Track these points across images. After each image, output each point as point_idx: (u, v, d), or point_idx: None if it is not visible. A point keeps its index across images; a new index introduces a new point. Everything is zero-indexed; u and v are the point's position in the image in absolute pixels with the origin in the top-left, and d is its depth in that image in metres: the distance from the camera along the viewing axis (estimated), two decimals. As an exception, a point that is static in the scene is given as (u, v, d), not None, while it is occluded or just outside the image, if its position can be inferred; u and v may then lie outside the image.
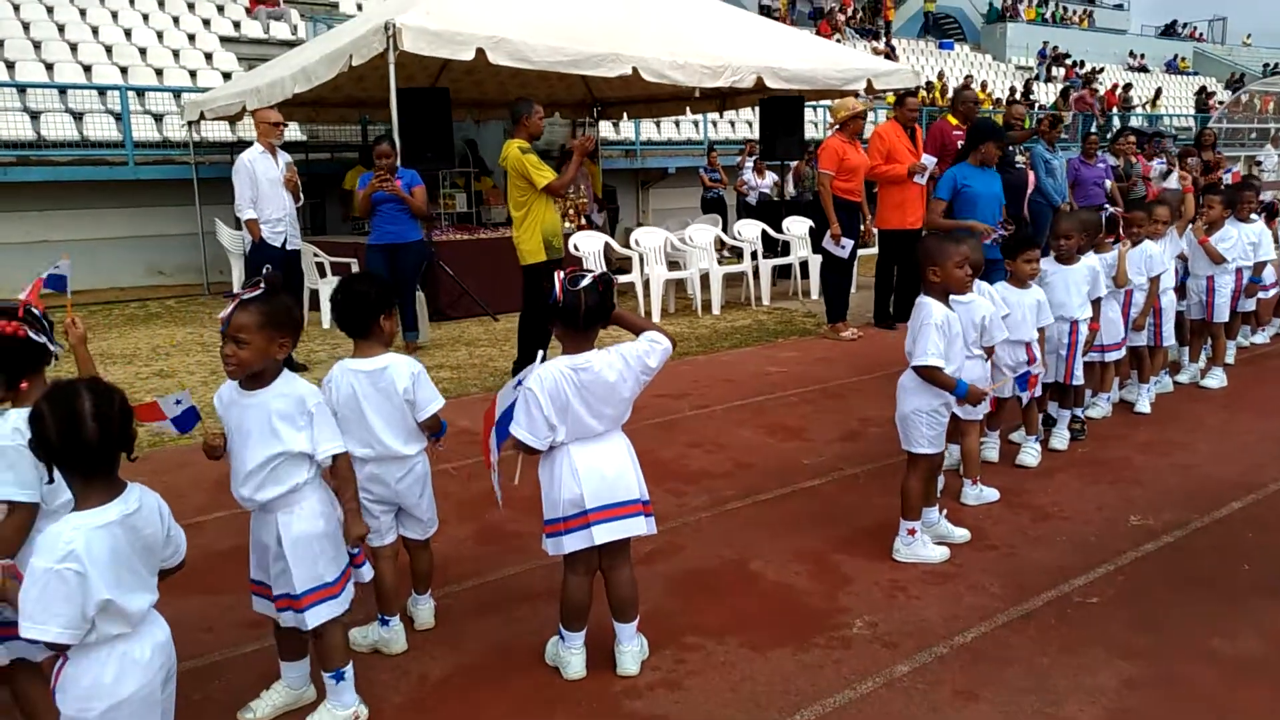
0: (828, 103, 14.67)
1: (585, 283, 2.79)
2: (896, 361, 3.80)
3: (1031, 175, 8.61)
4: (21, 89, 12.69)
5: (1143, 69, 34.99)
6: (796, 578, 3.64)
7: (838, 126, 8.40)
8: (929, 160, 8.21)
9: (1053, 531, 4.04)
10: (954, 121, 8.53)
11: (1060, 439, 5.13)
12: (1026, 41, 32.88)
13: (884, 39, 28.72)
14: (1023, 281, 4.67)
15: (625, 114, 14.97)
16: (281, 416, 2.54)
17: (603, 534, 2.83)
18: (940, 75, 25.80)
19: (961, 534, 3.92)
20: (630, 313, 2.98)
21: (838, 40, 25.10)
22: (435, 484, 3.21)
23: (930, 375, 3.59)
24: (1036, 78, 30.57)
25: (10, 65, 13.30)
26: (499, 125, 14.67)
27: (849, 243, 8.29)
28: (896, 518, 3.81)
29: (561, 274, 2.83)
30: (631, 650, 2.97)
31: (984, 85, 26.69)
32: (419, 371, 3.02)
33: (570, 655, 2.96)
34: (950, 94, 21.77)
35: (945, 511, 3.97)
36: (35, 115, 12.44)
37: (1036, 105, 25.08)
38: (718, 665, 3.02)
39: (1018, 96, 24.57)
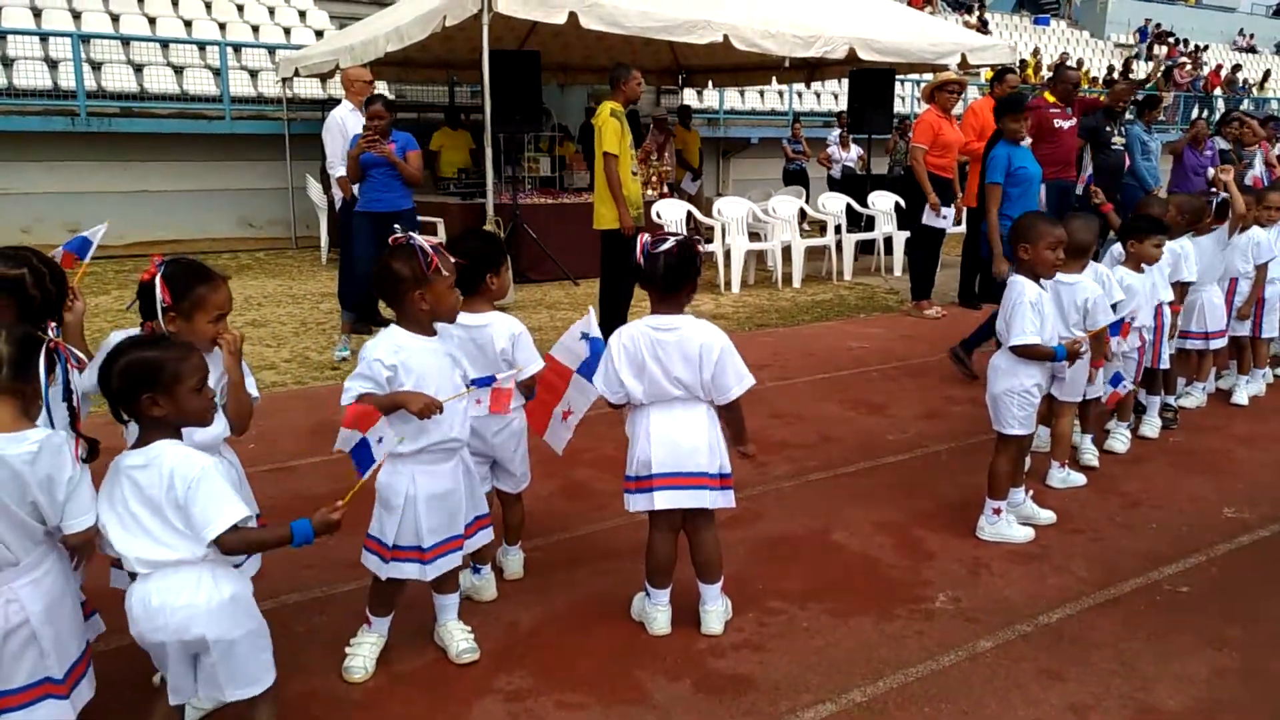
0: (918, 76, 14.36)
1: (665, 246, 2.82)
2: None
3: (1127, 156, 8.34)
4: (125, 42, 13.11)
5: (1251, 49, 33.34)
6: (879, 550, 3.66)
7: (926, 95, 8.23)
8: (1026, 139, 7.99)
9: (1142, 519, 3.98)
10: (1051, 99, 8.27)
11: (1151, 426, 5.01)
12: (1127, 17, 31.51)
13: (977, 12, 27.84)
14: (1139, 265, 4.55)
15: (710, 82, 14.86)
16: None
17: (663, 500, 2.88)
18: (1035, 52, 24.97)
19: (1047, 516, 3.88)
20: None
21: (930, 13, 24.45)
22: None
23: (1027, 352, 3.55)
24: (1136, 56, 29.34)
25: (115, 18, 13.75)
26: (582, 90, 14.72)
27: (949, 212, 8.12)
28: (980, 496, 3.79)
29: (646, 237, 2.87)
30: (715, 610, 3.03)
31: (1080, 63, 25.75)
32: (520, 333, 3.10)
33: (656, 611, 3.03)
34: (1045, 71, 21.11)
35: (1031, 493, 3.93)
36: (139, 68, 12.84)
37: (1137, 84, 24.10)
38: (800, 630, 3.06)
39: (1115, 75, 23.65)
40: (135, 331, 2.40)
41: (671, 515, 2.95)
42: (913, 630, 3.06)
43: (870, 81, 11.41)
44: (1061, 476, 4.29)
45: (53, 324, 2.45)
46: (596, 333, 3.15)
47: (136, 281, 2.47)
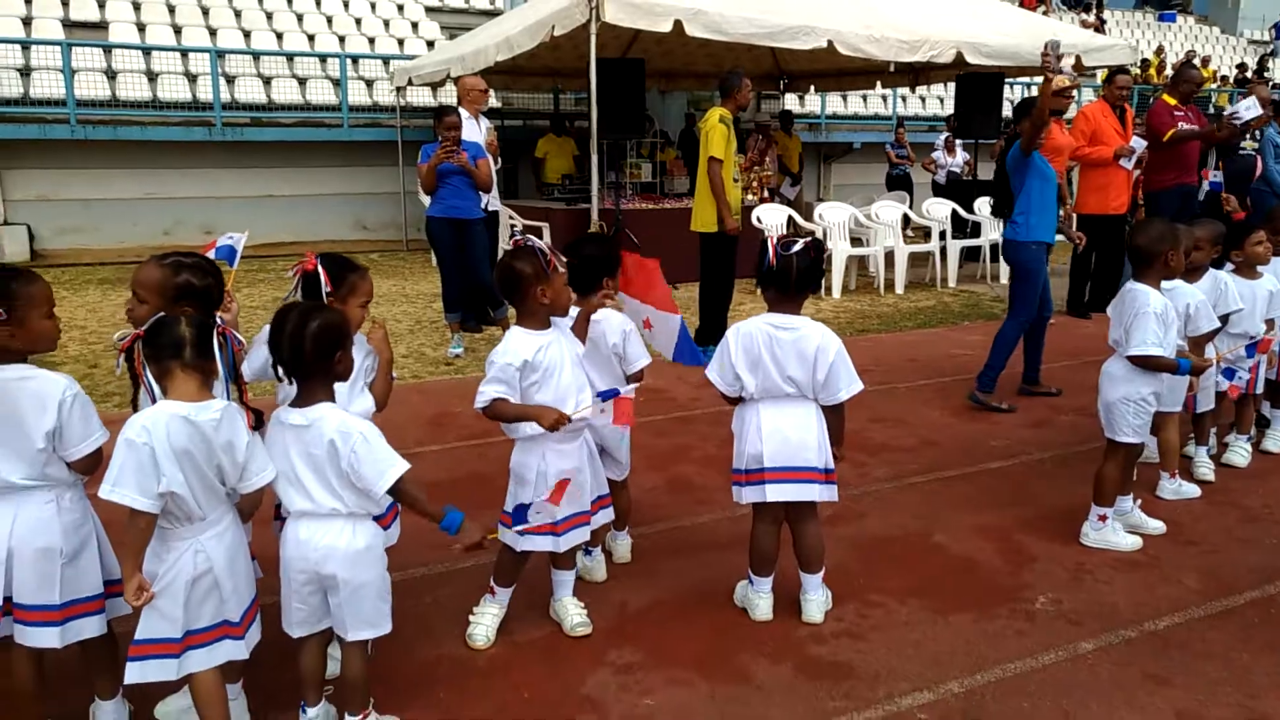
0: (1028, 79, 14.04)
1: (797, 248, 2.94)
2: (1090, 350, 3.75)
3: (1259, 161, 8.02)
4: (256, 56, 13.87)
5: (1404, 47, 31.26)
6: (979, 552, 3.68)
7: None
8: (1138, 143, 7.80)
9: (1261, 533, 3.88)
10: (1172, 101, 8.04)
11: (1274, 441, 4.85)
12: (1263, 12, 29.76)
13: (1094, 10, 26.89)
14: (1253, 269, 4.43)
15: (813, 87, 14.82)
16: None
17: (775, 493, 3.00)
18: (1158, 50, 23.95)
19: (1156, 525, 3.83)
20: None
21: (1043, 13, 23.77)
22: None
23: (1147, 363, 3.52)
24: (1272, 53, 27.77)
25: (247, 34, 14.57)
26: (683, 96, 14.88)
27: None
28: (1085, 504, 3.77)
29: (775, 238, 2.99)
30: (816, 599, 3.12)
31: (1205, 61, 24.62)
32: (630, 329, 3.28)
33: (758, 599, 3.14)
34: (1170, 71, 20.26)
35: (1140, 502, 3.89)
36: (267, 80, 13.59)
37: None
38: (899, 624, 3.13)
39: (1249, 74, 22.52)
40: None
41: (776, 508, 3.06)
42: (1012, 629, 3.09)
43: (978, 85, 11.22)
44: (1173, 488, 4.22)
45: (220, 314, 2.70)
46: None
47: (263, 279, 2.72)
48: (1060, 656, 2.93)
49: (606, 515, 3.15)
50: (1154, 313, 3.51)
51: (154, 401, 2.26)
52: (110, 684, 2.52)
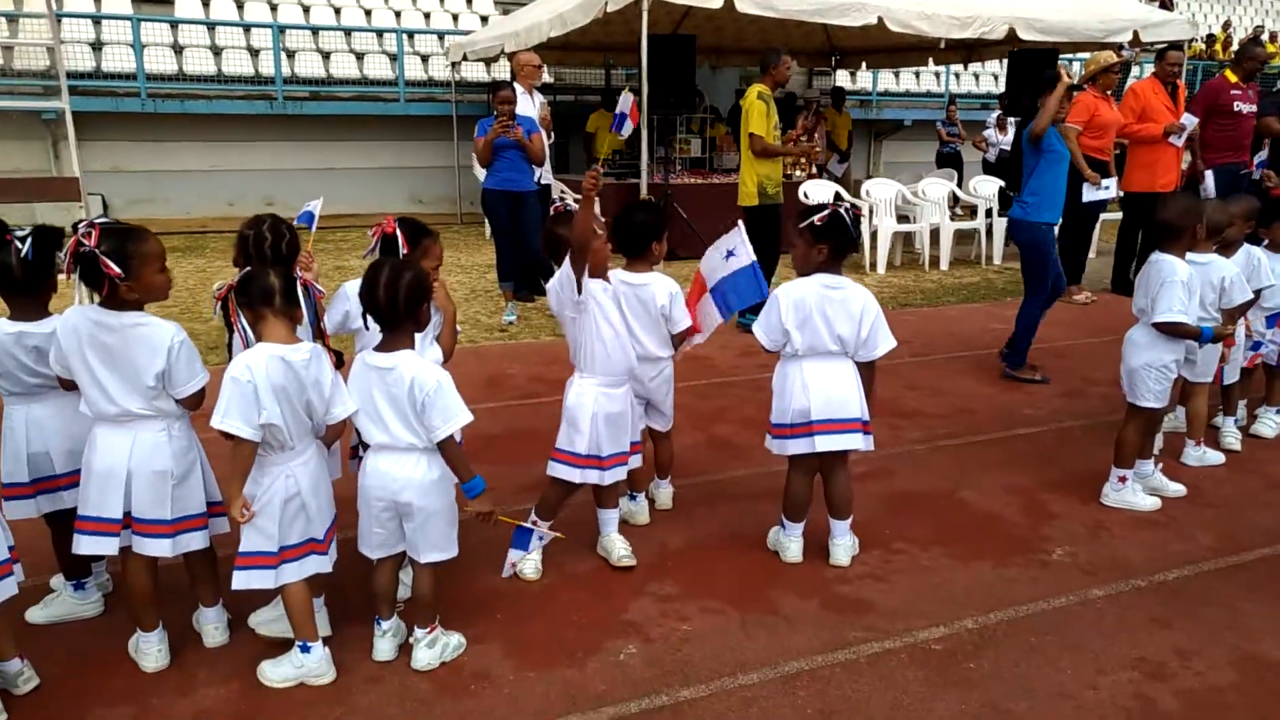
0: (1085, 55, 13.90)
1: (844, 208, 3.17)
2: (1130, 327, 3.90)
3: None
4: (315, 31, 14.25)
5: None
6: (1003, 508, 3.88)
7: (1089, 80, 8.07)
8: (1189, 120, 7.79)
9: (1280, 498, 4.03)
10: (1233, 79, 7.98)
11: (1302, 414, 4.96)
12: (1342, -14, 28.79)
13: (1161, -18, 26.17)
14: None
15: (864, 63, 14.82)
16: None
17: (824, 443, 3.24)
18: (1226, 25, 23.29)
19: (1176, 489, 3.99)
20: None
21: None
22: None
23: (1173, 330, 3.68)
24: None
25: (306, 10, 14.96)
26: (733, 72, 14.97)
27: (1110, 182, 7.92)
28: (1109, 468, 3.94)
29: (831, 201, 3.22)
30: (844, 544, 3.36)
31: (1275, 37, 23.94)
32: (677, 291, 3.52)
33: (790, 542, 3.39)
34: (1236, 47, 19.82)
35: (1161, 466, 4.05)
36: (326, 55, 13.96)
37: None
38: (921, 568, 3.36)
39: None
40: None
41: (811, 459, 3.30)
42: (1027, 576, 3.31)
43: (1031, 62, 11.15)
44: (1197, 455, 4.36)
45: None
46: (743, 244, 3.52)
47: (322, 249, 3.00)
48: (1071, 601, 3.14)
49: (638, 460, 3.42)
50: (1180, 281, 3.66)
51: (245, 345, 2.56)
52: (211, 593, 2.85)
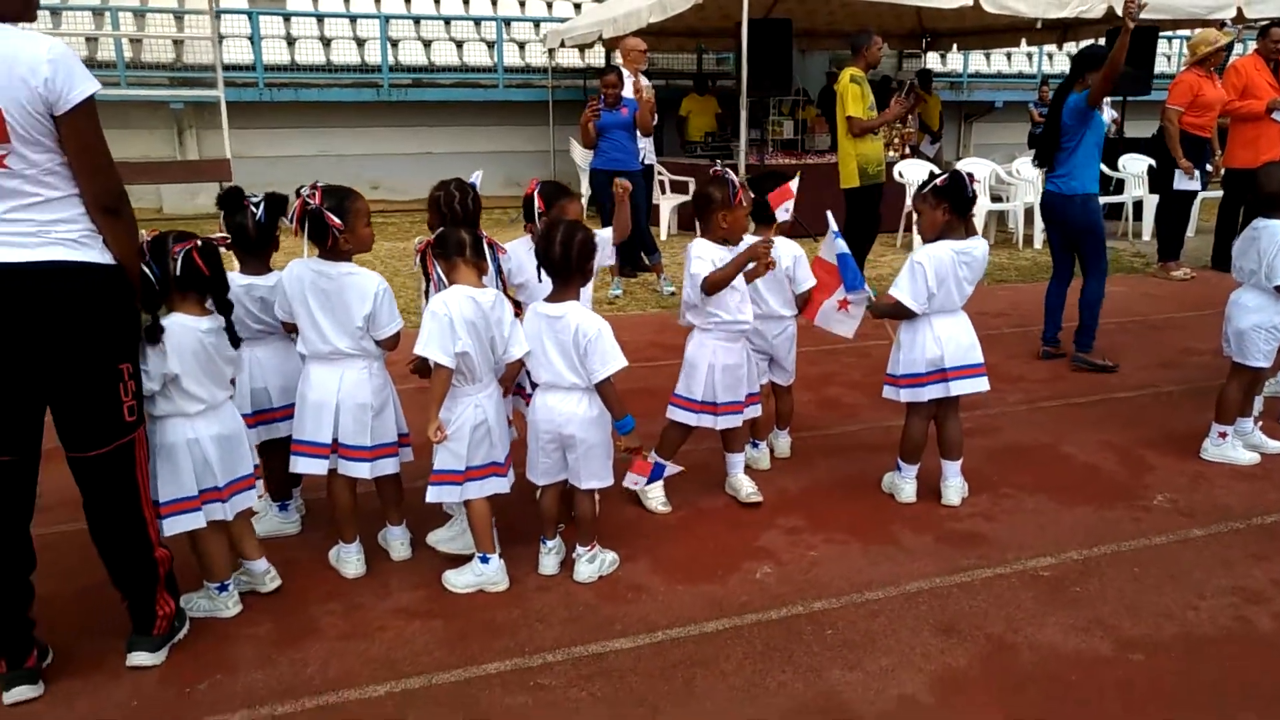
0: (1185, 33, 13.66)
1: (949, 179, 3.46)
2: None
3: None
4: (417, 20, 14.84)
5: None
6: (1104, 461, 4.12)
7: (1196, 61, 8.05)
8: (1294, 96, 7.75)
9: (1383, 459, 4.16)
10: (1334, 55, 7.90)
11: None
12: None
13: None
14: None
15: (955, 45, 14.79)
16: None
17: (957, 388, 3.55)
18: (1330, 1, 22.43)
19: (1275, 446, 4.16)
20: None
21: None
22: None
23: None
24: None
25: (407, 1, 15.57)
26: (823, 55, 15.09)
27: (1199, 174, 8.02)
28: (1207, 428, 4.14)
29: (967, 173, 3.51)
30: (954, 485, 3.66)
31: (1387, 12, 22.89)
32: (800, 255, 3.84)
33: (904, 483, 3.69)
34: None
35: (1261, 424, 4.22)
36: (427, 44, 14.54)
37: None
38: (1027, 510, 3.63)
39: None
40: None
41: (929, 405, 3.60)
42: (1129, 518, 3.56)
43: (1131, 40, 11.05)
44: (1298, 417, 4.51)
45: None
46: (839, 237, 3.81)
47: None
48: (1171, 539, 3.38)
49: (756, 410, 3.75)
50: None
51: (438, 291, 2.97)
52: (398, 513, 3.30)
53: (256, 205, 3.10)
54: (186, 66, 12.75)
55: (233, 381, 2.92)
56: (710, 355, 3.52)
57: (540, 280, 3.12)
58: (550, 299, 3.06)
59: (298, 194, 2.97)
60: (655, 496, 3.67)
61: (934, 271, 3.47)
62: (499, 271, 3.08)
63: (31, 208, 2.29)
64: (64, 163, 2.31)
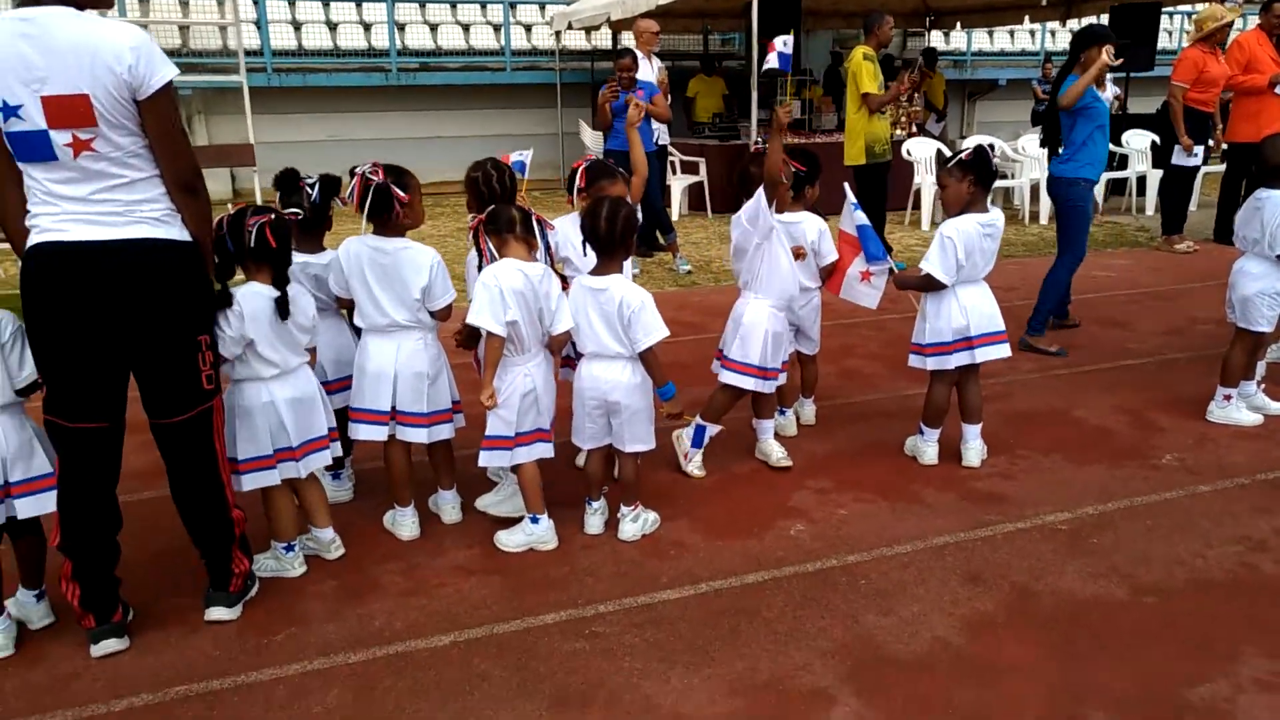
0: (1187, 9, 13.75)
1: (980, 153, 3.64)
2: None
3: None
4: (423, 4, 14.91)
5: None
6: (1114, 423, 4.31)
7: (1201, 37, 8.17)
8: (1296, 69, 7.88)
9: (1378, 418, 4.35)
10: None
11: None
12: None
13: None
14: None
15: (959, 23, 14.87)
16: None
17: (983, 354, 3.74)
18: (1331, -26, 22.45)
19: (1278, 407, 4.34)
20: None
21: (1205, -64, 22.53)
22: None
23: None
24: None
25: (414, -17, 15.64)
26: (827, 35, 15.18)
27: (1199, 151, 8.20)
28: (1213, 391, 4.32)
29: (988, 143, 3.67)
30: (975, 447, 3.85)
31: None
32: (825, 229, 4.00)
33: (927, 446, 3.88)
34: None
35: (1264, 386, 4.41)
36: (434, 27, 14.62)
37: None
38: (1043, 470, 3.82)
39: None
40: None
41: (952, 371, 3.78)
42: (1140, 475, 3.75)
43: (1133, 17, 11.16)
44: (1299, 381, 4.69)
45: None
46: (858, 209, 3.96)
47: (441, 212, 3.53)
48: (1180, 494, 3.57)
49: (784, 377, 3.92)
50: None
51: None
52: (449, 478, 3.48)
53: (312, 186, 3.27)
54: (193, 52, 12.85)
55: (312, 351, 3.11)
56: (767, 321, 3.68)
57: (585, 254, 3.28)
58: (594, 272, 3.23)
59: (353, 173, 3.14)
60: (693, 462, 3.85)
61: (964, 245, 3.64)
62: (547, 248, 3.25)
63: (117, 188, 2.45)
64: (146, 145, 2.47)
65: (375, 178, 3.07)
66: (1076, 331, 5.79)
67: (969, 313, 3.70)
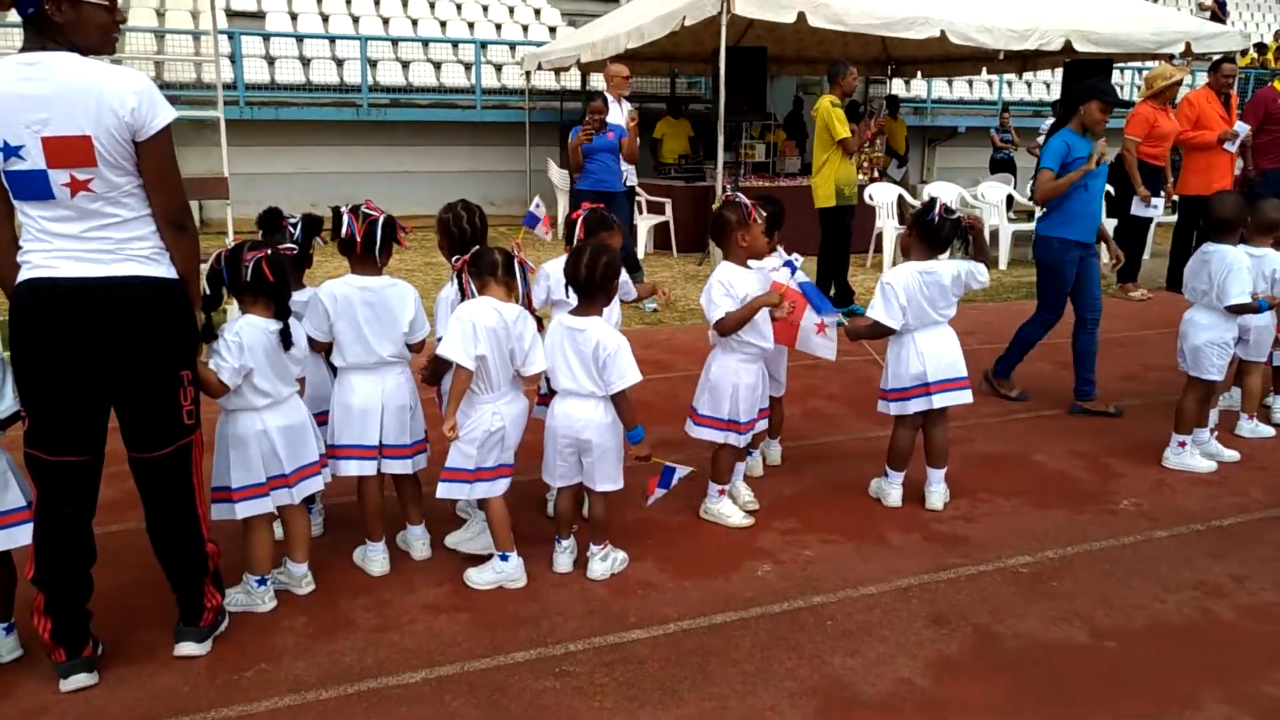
0: (1138, 65, 14.25)
1: (954, 215, 3.74)
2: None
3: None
4: (395, 42, 15.02)
5: None
6: (1073, 468, 4.41)
7: (1151, 94, 8.48)
8: (1242, 128, 8.21)
9: (1325, 466, 4.50)
10: (1281, 89, 8.39)
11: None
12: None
13: (1215, -9, 26.21)
14: None
15: (920, 72, 15.27)
16: None
17: (940, 400, 3.81)
18: (1277, 34, 23.44)
19: (1231, 455, 4.48)
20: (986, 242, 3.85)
21: (1155, -3, 23.33)
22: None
23: (1241, 309, 4.21)
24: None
25: (385, 21, 15.76)
26: (790, 80, 15.50)
27: (1158, 202, 8.46)
28: (1168, 438, 4.44)
29: (941, 203, 3.77)
30: (938, 490, 3.92)
31: (1326, 46, 23.92)
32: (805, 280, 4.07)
33: (891, 489, 3.95)
34: (1283, 56, 19.97)
35: (1217, 434, 4.54)
36: (405, 65, 14.72)
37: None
38: (1004, 514, 3.90)
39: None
40: None
41: (916, 415, 3.85)
42: (1099, 521, 3.84)
43: (1087, 71, 11.51)
44: (1250, 428, 4.84)
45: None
46: (792, 259, 3.98)
47: (411, 246, 3.51)
48: (1138, 539, 3.67)
49: (764, 423, 3.97)
50: (1245, 267, 4.18)
51: None
52: (418, 513, 3.49)
53: (294, 225, 3.29)
54: (166, 85, 12.80)
55: (302, 381, 3.13)
56: (734, 375, 3.69)
57: (566, 295, 3.34)
58: (574, 313, 3.27)
59: (337, 212, 3.18)
60: (731, 512, 3.78)
61: (903, 291, 3.75)
62: (526, 290, 3.29)
63: (110, 227, 2.48)
64: (139, 185, 2.51)
65: (374, 212, 3.13)
66: (1041, 379, 5.91)
67: (926, 359, 3.78)
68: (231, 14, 14.91)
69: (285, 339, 2.95)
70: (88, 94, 2.38)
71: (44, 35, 2.42)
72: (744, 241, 3.67)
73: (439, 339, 3.20)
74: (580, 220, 3.67)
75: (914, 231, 3.80)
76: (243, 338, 2.87)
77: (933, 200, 3.79)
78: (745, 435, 3.79)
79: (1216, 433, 4.57)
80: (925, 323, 3.80)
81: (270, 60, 13.93)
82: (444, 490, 3.25)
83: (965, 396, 3.83)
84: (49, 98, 2.37)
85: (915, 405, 3.82)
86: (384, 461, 3.29)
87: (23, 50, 2.43)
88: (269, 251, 2.90)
